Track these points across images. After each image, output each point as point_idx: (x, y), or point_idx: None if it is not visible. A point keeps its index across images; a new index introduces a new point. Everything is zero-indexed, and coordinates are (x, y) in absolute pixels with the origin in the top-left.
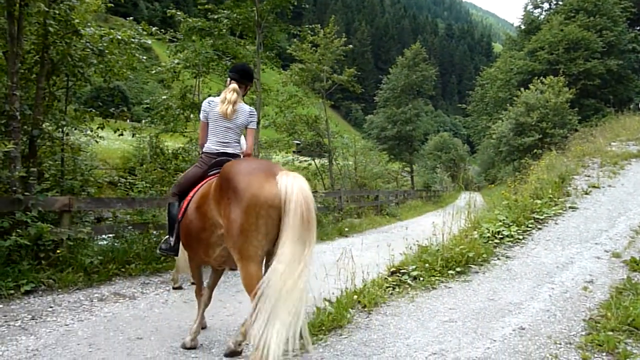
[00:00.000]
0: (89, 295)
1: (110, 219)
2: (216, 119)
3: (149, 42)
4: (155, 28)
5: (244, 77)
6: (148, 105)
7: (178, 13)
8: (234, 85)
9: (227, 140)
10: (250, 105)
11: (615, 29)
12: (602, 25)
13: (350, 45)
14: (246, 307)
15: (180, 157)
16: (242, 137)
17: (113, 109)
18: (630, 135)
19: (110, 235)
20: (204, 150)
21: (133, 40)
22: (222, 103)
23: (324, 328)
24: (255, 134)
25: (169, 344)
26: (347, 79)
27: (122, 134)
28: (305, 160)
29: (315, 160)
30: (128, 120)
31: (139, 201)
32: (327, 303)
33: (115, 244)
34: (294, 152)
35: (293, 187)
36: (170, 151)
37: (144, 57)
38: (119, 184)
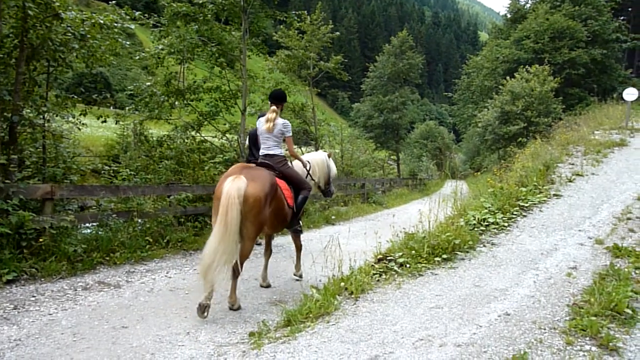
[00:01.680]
0: (73, 284)
1: (94, 207)
2: (262, 133)
3: (132, 27)
4: (139, 13)
5: (278, 99)
6: (132, 92)
7: None
8: (274, 107)
9: (268, 145)
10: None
11: (600, 19)
12: (587, 14)
13: (337, 33)
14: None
15: (165, 144)
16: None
17: (96, 95)
18: (613, 124)
19: (94, 223)
20: (260, 154)
21: (116, 25)
22: (266, 122)
23: (311, 315)
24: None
25: (155, 333)
26: (334, 66)
27: (105, 121)
28: None
29: (302, 148)
30: (111, 107)
31: (123, 189)
32: (314, 290)
33: (99, 232)
34: None
35: (224, 187)
36: (154, 138)
37: (127, 43)
38: (102, 171)
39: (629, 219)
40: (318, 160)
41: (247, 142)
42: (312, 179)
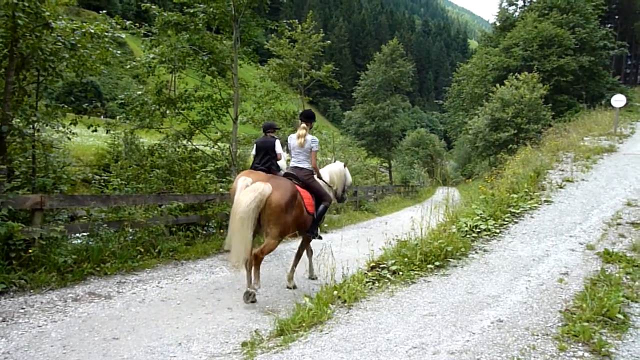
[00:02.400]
0: (63, 295)
1: (85, 217)
2: (294, 147)
3: (123, 36)
4: (130, 22)
5: (307, 118)
6: (123, 101)
7: (153, 7)
8: (304, 125)
9: (299, 159)
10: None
11: (587, 26)
12: (574, 22)
13: (328, 41)
14: (225, 304)
15: (157, 153)
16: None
17: (86, 104)
18: (602, 130)
19: (85, 233)
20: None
21: (106, 34)
22: (297, 138)
23: (304, 324)
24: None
25: (146, 344)
26: (325, 74)
27: (95, 130)
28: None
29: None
30: (102, 117)
31: (114, 198)
32: (307, 299)
33: (90, 243)
34: None
35: (250, 190)
36: (146, 147)
37: (118, 52)
38: (93, 181)
39: (619, 224)
40: (337, 170)
41: (253, 151)
42: (330, 186)
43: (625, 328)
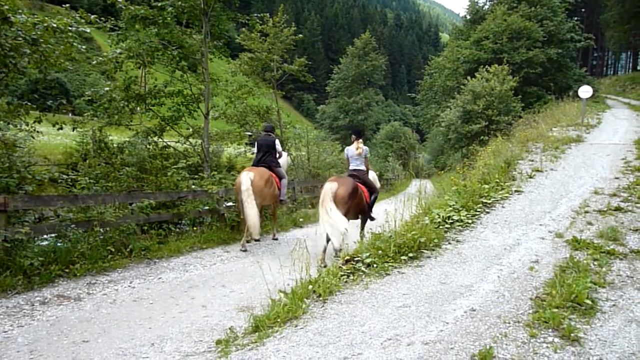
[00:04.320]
0: (30, 299)
1: (52, 217)
2: (352, 155)
3: (88, 30)
4: (95, 16)
5: (359, 135)
6: (90, 98)
7: (119, 0)
8: (360, 139)
9: (356, 164)
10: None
11: (555, 19)
12: (542, 15)
13: (300, 35)
14: (199, 302)
15: (127, 150)
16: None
17: (51, 101)
18: (569, 121)
19: (52, 234)
20: (349, 169)
21: (70, 28)
22: (356, 149)
23: (279, 320)
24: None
25: (118, 346)
26: (298, 68)
27: (61, 128)
28: None
29: None
30: (70, 114)
31: (83, 198)
32: (282, 294)
33: (58, 244)
34: (246, 143)
35: (324, 187)
36: (115, 145)
37: (83, 47)
38: (60, 180)
39: (586, 212)
40: (374, 176)
41: (254, 149)
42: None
43: (593, 313)
